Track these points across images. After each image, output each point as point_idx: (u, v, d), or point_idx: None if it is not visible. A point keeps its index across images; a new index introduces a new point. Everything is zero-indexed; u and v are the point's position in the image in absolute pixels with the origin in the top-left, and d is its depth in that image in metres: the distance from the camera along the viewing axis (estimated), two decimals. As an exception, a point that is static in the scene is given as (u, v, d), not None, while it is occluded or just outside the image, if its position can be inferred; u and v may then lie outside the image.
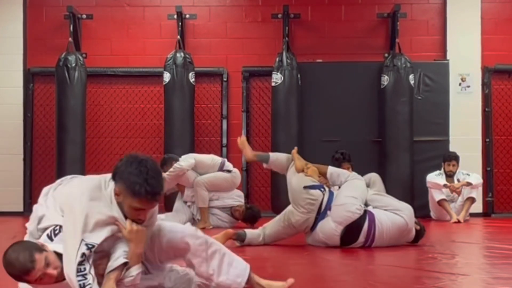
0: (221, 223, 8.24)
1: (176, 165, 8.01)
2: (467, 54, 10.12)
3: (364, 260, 5.37)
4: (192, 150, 9.56)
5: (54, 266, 3.14)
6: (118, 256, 3.20)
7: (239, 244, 6.02)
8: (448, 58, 10.14)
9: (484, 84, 10.16)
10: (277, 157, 6.39)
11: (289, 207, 6.07)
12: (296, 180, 6.01)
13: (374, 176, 6.64)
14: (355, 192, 5.93)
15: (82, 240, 3.10)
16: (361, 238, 5.83)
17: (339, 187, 6.15)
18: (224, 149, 10.18)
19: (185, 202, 8.33)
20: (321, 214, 5.89)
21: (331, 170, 6.23)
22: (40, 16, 10.39)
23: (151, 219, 3.30)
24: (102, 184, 3.25)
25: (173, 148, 9.49)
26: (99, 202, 3.18)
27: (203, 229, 7.87)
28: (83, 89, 9.72)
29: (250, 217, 7.96)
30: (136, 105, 10.34)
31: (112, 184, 3.21)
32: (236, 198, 8.31)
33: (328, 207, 5.86)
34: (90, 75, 9.92)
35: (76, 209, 3.16)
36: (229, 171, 8.28)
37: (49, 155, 9.98)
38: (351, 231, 5.81)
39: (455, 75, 10.09)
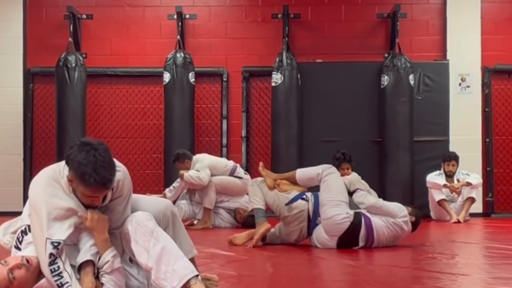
0: (222, 222, 8.24)
1: (194, 176, 7.98)
2: (467, 54, 10.12)
3: (363, 260, 5.37)
4: (192, 150, 9.55)
5: (20, 276, 3.14)
6: (86, 251, 3.23)
7: (261, 243, 6.04)
8: (448, 58, 10.14)
9: (484, 84, 10.16)
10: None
11: (282, 224, 6.12)
12: (276, 202, 5.99)
13: (353, 177, 6.49)
14: (336, 195, 5.82)
15: (47, 239, 3.12)
16: (361, 242, 5.82)
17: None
18: (224, 149, 10.18)
19: (191, 200, 8.34)
20: (312, 221, 5.90)
21: (299, 176, 6.09)
22: (40, 16, 10.39)
23: (106, 199, 3.29)
24: (58, 174, 3.26)
25: (173, 148, 9.48)
26: (57, 196, 3.20)
27: (202, 229, 7.89)
28: (83, 89, 9.73)
29: (249, 224, 7.93)
30: (136, 105, 10.34)
31: (67, 171, 3.22)
32: (243, 203, 8.30)
33: (317, 213, 5.86)
34: (90, 75, 9.92)
35: (38, 208, 3.19)
36: (240, 177, 8.26)
37: (49, 155, 9.97)
38: (348, 237, 5.79)
39: (455, 75, 10.08)
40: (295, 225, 5.96)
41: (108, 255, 3.22)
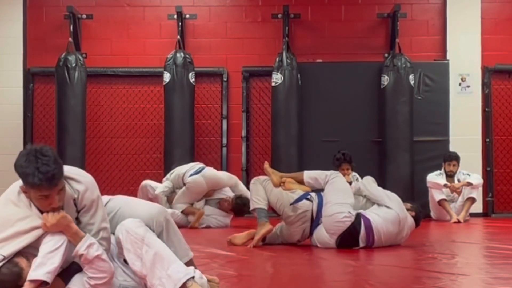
0: (216, 222, 8.22)
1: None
2: (467, 54, 10.11)
3: (363, 260, 5.37)
4: (192, 150, 9.58)
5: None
6: (41, 265, 3.09)
7: (261, 243, 6.03)
8: (448, 58, 10.14)
9: (484, 84, 10.16)
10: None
11: (283, 224, 6.12)
12: (280, 201, 5.97)
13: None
14: (340, 196, 5.84)
15: None
16: (361, 243, 5.82)
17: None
18: (224, 149, 10.18)
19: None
20: (314, 221, 5.90)
21: (307, 177, 6.06)
22: (40, 16, 10.39)
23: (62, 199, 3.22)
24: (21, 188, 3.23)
25: (173, 148, 9.51)
26: (17, 213, 3.17)
27: (196, 228, 7.92)
28: (83, 89, 9.72)
29: (239, 207, 7.90)
30: (136, 105, 10.34)
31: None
32: (223, 193, 8.32)
33: (320, 214, 5.86)
34: (90, 75, 9.91)
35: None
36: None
37: (49, 155, 9.98)
38: (348, 237, 5.79)
39: (455, 75, 10.08)
40: (298, 226, 5.96)
41: (82, 247, 3.16)
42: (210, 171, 8.26)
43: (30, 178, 3.08)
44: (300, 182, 6.07)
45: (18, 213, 3.19)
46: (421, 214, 6.25)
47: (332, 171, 6.15)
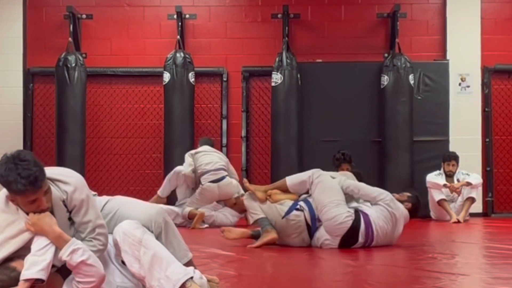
0: (223, 218, 8.24)
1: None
2: (467, 54, 10.12)
3: (363, 260, 5.37)
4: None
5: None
6: (34, 263, 3.09)
7: None
8: (448, 58, 10.14)
9: (484, 84, 10.16)
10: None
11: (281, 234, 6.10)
12: (271, 215, 5.93)
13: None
14: (334, 196, 5.82)
15: None
16: (360, 239, 5.83)
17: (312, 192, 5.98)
18: (224, 149, 10.17)
19: None
20: (312, 227, 5.88)
21: (290, 183, 6.04)
22: (40, 16, 10.39)
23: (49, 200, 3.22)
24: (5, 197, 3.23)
25: (173, 148, 9.50)
26: (6, 219, 3.17)
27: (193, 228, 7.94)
28: (83, 89, 9.72)
29: None
30: (136, 105, 10.34)
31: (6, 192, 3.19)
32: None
33: (315, 218, 5.84)
34: (90, 75, 9.91)
35: None
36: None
37: (49, 155, 9.96)
38: (349, 235, 5.80)
39: (455, 75, 10.08)
40: (295, 237, 5.95)
41: (65, 253, 3.14)
42: (228, 183, 8.28)
43: (14, 185, 3.07)
44: (285, 190, 6.06)
45: (6, 219, 3.19)
46: (419, 204, 6.25)
47: (313, 170, 6.05)
